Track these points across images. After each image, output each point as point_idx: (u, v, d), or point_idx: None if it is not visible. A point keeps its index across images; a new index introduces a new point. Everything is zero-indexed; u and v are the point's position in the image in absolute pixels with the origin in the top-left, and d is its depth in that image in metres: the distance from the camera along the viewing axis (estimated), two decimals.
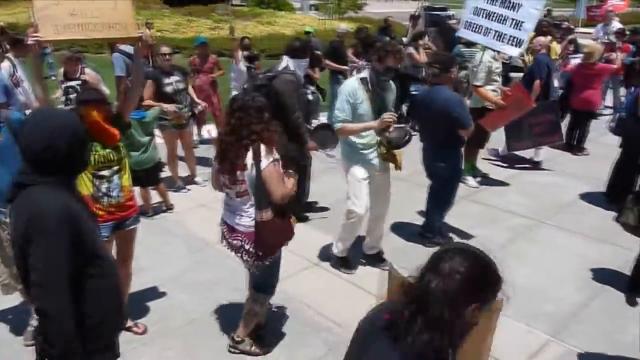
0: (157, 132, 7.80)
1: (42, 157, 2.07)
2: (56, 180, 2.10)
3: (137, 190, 4.85)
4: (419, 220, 5.67)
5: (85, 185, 3.43)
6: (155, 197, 6.12)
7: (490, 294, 1.61)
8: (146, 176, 5.67)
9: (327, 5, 31.28)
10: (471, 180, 6.88)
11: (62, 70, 6.90)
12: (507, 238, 5.56)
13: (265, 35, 20.23)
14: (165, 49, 6.16)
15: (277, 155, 3.24)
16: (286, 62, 5.18)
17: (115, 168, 3.53)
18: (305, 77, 6.42)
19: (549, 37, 9.12)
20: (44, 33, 3.24)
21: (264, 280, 3.63)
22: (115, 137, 3.50)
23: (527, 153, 7.76)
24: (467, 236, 5.50)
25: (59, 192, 2.08)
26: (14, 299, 4.00)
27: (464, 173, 6.22)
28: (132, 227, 3.79)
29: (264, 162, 3.14)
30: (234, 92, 7.78)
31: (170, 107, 6.01)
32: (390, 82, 4.62)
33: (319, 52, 8.94)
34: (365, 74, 4.54)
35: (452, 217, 5.61)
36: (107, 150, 3.48)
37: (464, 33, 6.52)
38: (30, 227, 1.99)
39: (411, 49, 9.25)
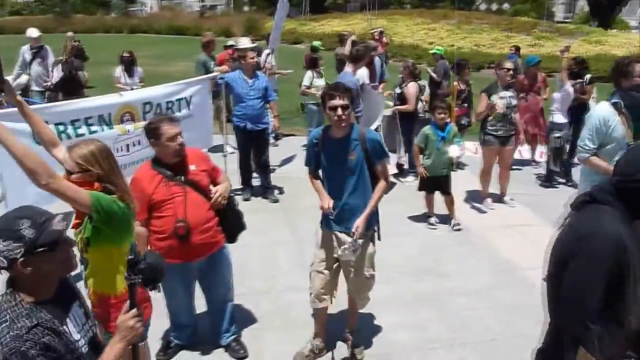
0: (474, 145, 7.97)
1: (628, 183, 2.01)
2: (622, 208, 2.01)
3: None
4: None
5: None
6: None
7: None
8: (438, 184, 6.01)
9: None
10: None
11: None
12: None
13: (592, 55, 18.46)
14: (508, 64, 6.21)
15: None
16: None
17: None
18: None
19: None
20: None
21: None
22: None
23: None
24: None
25: (618, 219, 1.98)
26: None
27: None
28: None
29: None
30: (556, 115, 7.27)
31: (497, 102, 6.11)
32: None
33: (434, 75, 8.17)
34: (616, 98, 4.05)
35: None
36: None
37: None
38: (579, 243, 1.97)
39: None
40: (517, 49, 13.42)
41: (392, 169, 7.42)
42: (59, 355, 1.69)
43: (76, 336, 1.83)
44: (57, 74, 8.61)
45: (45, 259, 1.71)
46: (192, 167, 3.39)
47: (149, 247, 3.34)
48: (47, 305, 1.76)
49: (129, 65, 8.62)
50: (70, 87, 8.44)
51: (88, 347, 1.87)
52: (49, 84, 8.73)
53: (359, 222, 3.40)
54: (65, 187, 2.39)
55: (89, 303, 2.33)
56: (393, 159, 7.63)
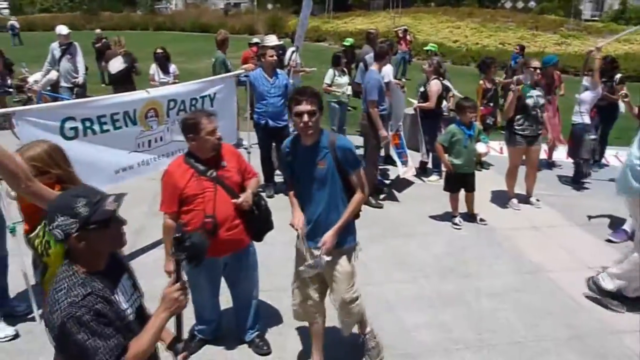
0: (499, 145, 7.87)
1: None
2: None
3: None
4: None
5: None
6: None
7: None
8: (464, 182, 6.02)
9: None
10: None
11: None
12: None
13: (621, 54, 18.08)
14: (535, 64, 6.12)
15: None
16: None
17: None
18: None
19: None
20: None
21: None
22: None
23: None
24: None
25: None
26: None
27: None
28: None
29: None
30: (586, 116, 7.10)
31: None
32: None
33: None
34: None
35: None
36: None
37: None
38: None
39: None
40: (522, 48, 13.20)
41: (413, 169, 7.37)
42: (109, 321, 1.83)
43: (124, 305, 1.97)
44: (117, 65, 8.90)
45: (97, 235, 1.85)
46: (223, 164, 3.41)
47: None
48: (99, 276, 1.90)
49: (163, 61, 8.58)
50: (130, 78, 8.90)
51: (134, 316, 2.01)
52: (77, 80, 8.89)
53: (326, 237, 3.14)
54: (43, 190, 2.31)
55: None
56: (416, 157, 7.58)
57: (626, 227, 5.61)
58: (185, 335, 3.75)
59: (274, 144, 6.74)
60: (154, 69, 8.60)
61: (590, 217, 6.12)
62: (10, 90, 8.96)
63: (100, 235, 1.85)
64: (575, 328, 4.13)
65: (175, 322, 2.07)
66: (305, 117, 3.01)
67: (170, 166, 3.43)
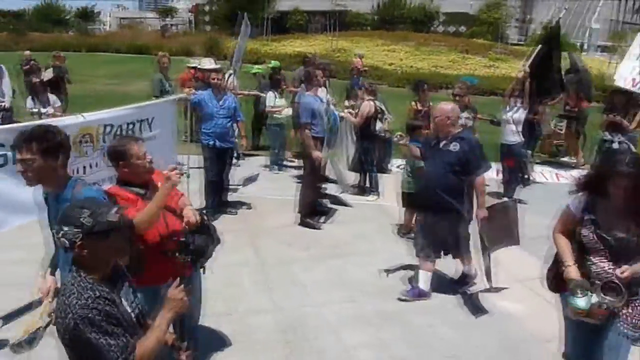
0: None
1: None
2: None
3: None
4: None
5: None
6: None
7: None
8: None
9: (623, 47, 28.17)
10: None
11: None
12: None
13: None
14: (456, 91, 6.46)
15: None
16: None
17: None
18: None
19: None
20: None
21: None
22: None
23: None
24: None
25: None
26: None
27: None
28: None
29: None
30: (521, 135, 7.44)
31: None
32: None
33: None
34: None
35: None
36: None
37: None
38: None
39: None
40: (359, 71, 13.73)
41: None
42: (118, 322, 2.00)
43: (128, 309, 2.14)
44: (48, 75, 9.89)
45: (100, 244, 2.01)
46: (159, 184, 3.34)
47: None
48: (105, 282, 2.06)
49: (41, 90, 7.79)
50: (59, 85, 9.75)
51: (135, 320, 2.17)
52: (3, 104, 8.51)
53: None
54: None
55: None
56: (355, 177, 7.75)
57: (420, 284, 4.93)
58: None
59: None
60: (30, 102, 7.76)
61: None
62: None
63: (103, 244, 2.02)
64: (506, 338, 4.33)
65: (179, 322, 2.28)
66: (19, 166, 2.70)
67: (117, 196, 3.28)
